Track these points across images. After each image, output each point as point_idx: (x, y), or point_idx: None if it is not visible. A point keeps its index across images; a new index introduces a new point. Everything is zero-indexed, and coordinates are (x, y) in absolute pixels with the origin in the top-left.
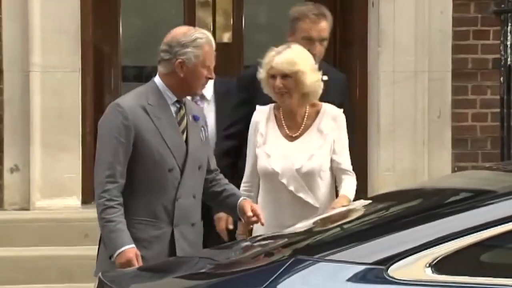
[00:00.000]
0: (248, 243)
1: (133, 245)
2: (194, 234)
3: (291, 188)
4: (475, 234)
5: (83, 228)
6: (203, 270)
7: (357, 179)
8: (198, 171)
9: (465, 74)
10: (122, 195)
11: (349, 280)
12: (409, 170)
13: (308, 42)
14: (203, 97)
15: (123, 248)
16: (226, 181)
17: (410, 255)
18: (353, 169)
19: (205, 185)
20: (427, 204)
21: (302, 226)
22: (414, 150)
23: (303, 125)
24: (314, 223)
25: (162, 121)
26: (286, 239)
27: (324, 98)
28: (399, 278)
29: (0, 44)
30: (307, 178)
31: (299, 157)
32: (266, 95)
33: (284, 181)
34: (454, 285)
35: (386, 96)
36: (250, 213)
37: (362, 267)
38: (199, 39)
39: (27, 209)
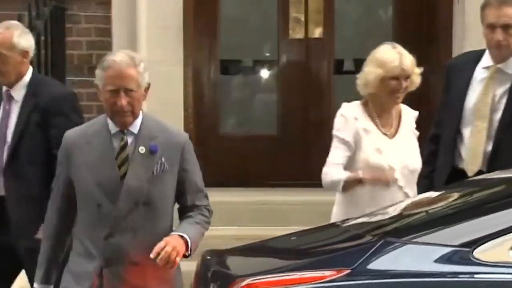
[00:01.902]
0: (339, 226)
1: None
2: (137, 274)
3: (401, 183)
4: None
5: None
6: (298, 249)
7: None
8: (144, 207)
9: None
10: (74, 229)
11: (436, 261)
12: None
13: (491, 29)
14: (11, 98)
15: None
16: (195, 218)
17: (495, 238)
18: None
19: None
20: (511, 190)
21: (389, 210)
22: None
23: (393, 123)
24: (401, 208)
25: (96, 153)
26: (375, 223)
27: None
28: (484, 260)
29: (110, 41)
30: (412, 175)
31: (406, 155)
32: (460, 83)
33: (397, 176)
34: None
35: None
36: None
37: (449, 249)
38: (105, 61)
39: None
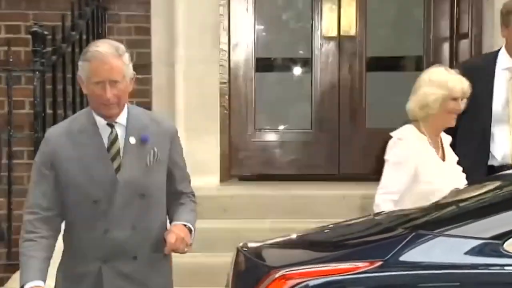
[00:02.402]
0: (371, 219)
1: (38, 283)
2: (136, 268)
3: None
4: None
5: (222, 203)
6: (332, 241)
7: None
8: (141, 199)
9: None
10: (63, 230)
11: (466, 253)
12: None
13: None
14: None
15: (25, 286)
16: (189, 206)
17: None
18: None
19: (167, 207)
20: None
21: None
22: None
23: (440, 146)
24: (432, 202)
25: (86, 149)
26: (406, 216)
27: None
28: None
29: (149, 39)
30: None
31: (459, 177)
32: (482, 86)
33: None
34: None
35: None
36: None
37: (479, 242)
38: (88, 51)
39: None
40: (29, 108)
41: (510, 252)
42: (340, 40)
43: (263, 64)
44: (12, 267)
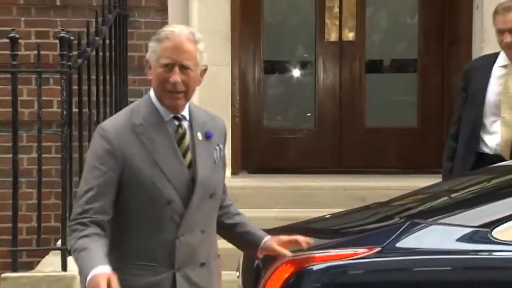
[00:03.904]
0: (370, 208)
1: (105, 268)
2: (203, 275)
3: None
4: None
5: (232, 194)
6: (333, 229)
7: None
8: (210, 200)
9: None
10: (116, 235)
11: (458, 240)
12: None
13: (501, 33)
14: None
15: (92, 272)
16: (236, 210)
17: (511, 219)
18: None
19: None
20: None
21: (414, 195)
22: None
23: None
24: (426, 192)
25: (156, 144)
26: (402, 206)
27: None
28: (501, 239)
29: None
30: None
31: None
32: (480, 80)
33: None
34: None
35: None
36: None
37: (470, 230)
38: (162, 31)
39: None
40: (56, 107)
41: (497, 239)
42: (341, 44)
43: (271, 66)
44: (42, 252)
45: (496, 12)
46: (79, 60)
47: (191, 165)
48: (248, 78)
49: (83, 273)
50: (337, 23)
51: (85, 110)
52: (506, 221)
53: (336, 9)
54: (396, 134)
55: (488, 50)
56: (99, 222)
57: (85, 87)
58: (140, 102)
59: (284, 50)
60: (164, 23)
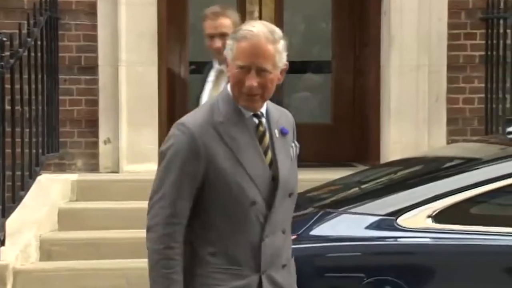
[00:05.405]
0: None
1: None
2: (285, 277)
3: None
4: (465, 192)
5: None
6: None
7: (373, 150)
8: (289, 199)
9: (458, 67)
10: (194, 238)
11: (367, 227)
12: (413, 143)
13: (211, 38)
14: None
15: None
16: None
17: (415, 208)
18: (370, 143)
19: None
20: (427, 169)
21: (327, 187)
22: (417, 127)
23: None
24: (338, 183)
25: (237, 142)
26: (316, 196)
27: None
28: (406, 226)
29: (95, 45)
30: None
31: None
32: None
33: None
34: (449, 231)
35: (395, 85)
36: None
37: (377, 218)
38: (240, 29)
39: (117, 172)
40: None
41: (402, 226)
42: None
43: (196, 67)
44: None
45: (205, 17)
46: (11, 60)
47: (271, 164)
48: (174, 78)
49: None
50: None
51: (18, 107)
52: (410, 210)
53: (256, 14)
54: (312, 130)
55: (395, 52)
56: (183, 227)
57: (17, 86)
58: (218, 98)
59: (207, 51)
60: (93, 25)
